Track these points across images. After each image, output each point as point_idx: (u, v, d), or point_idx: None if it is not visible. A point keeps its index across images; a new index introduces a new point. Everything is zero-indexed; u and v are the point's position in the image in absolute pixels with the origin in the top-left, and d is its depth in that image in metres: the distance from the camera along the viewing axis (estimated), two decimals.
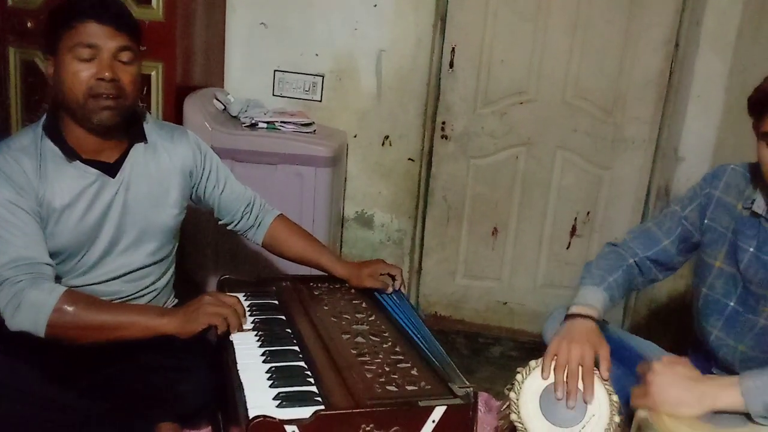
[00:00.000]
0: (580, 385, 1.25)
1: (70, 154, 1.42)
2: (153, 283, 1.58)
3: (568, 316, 1.36)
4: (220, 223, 1.72)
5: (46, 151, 1.41)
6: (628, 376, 1.37)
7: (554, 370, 1.27)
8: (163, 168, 1.54)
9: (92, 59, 1.36)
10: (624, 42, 2.50)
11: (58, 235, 1.41)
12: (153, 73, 2.10)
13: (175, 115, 2.14)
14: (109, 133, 1.45)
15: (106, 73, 1.36)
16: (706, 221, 1.43)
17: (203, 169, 1.63)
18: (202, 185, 1.64)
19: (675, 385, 1.19)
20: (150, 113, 1.72)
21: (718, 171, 1.44)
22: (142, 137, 1.52)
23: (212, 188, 1.65)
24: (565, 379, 1.26)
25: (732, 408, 1.15)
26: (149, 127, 1.55)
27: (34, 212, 1.37)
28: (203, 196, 1.66)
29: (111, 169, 1.47)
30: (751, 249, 1.34)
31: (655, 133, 2.58)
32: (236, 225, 1.72)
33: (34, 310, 1.28)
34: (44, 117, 1.46)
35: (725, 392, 1.16)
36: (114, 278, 1.50)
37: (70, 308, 1.30)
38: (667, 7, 2.46)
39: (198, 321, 1.35)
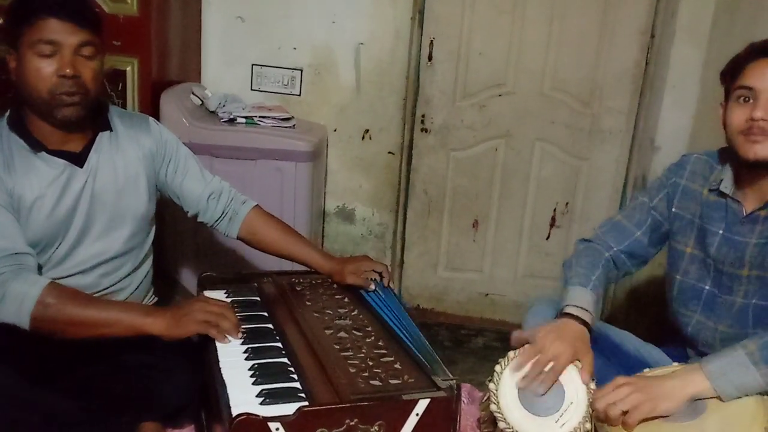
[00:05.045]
0: (561, 377, 1.27)
1: (36, 145, 1.41)
2: (129, 275, 1.57)
3: (563, 314, 1.36)
4: (189, 215, 1.69)
5: (12, 144, 1.41)
6: (605, 365, 1.40)
7: (525, 354, 1.29)
8: (128, 155, 1.53)
9: (53, 55, 1.35)
10: (600, 33, 2.52)
11: (31, 227, 1.40)
12: (128, 69, 2.07)
13: (151, 110, 2.11)
14: (74, 126, 1.44)
15: (68, 70, 1.35)
16: (673, 210, 1.46)
17: (164, 154, 1.61)
18: (163, 171, 1.61)
19: (647, 387, 1.20)
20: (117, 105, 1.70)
21: (683, 160, 1.49)
22: (106, 126, 1.51)
23: (173, 175, 1.62)
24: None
25: (704, 394, 1.17)
26: (111, 115, 1.54)
27: (7, 204, 1.36)
28: (166, 183, 1.63)
29: (78, 159, 1.46)
30: (721, 231, 1.38)
31: (631, 124, 2.61)
32: (204, 216, 1.67)
33: (17, 303, 1.27)
34: (8, 113, 1.44)
35: (692, 380, 1.19)
36: (88, 269, 1.49)
37: (53, 301, 1.29)
38: None
39: (186, 327, 1.34)
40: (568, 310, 1.36)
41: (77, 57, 1.37)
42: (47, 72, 1.35)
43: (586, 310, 1.36)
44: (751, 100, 1.27)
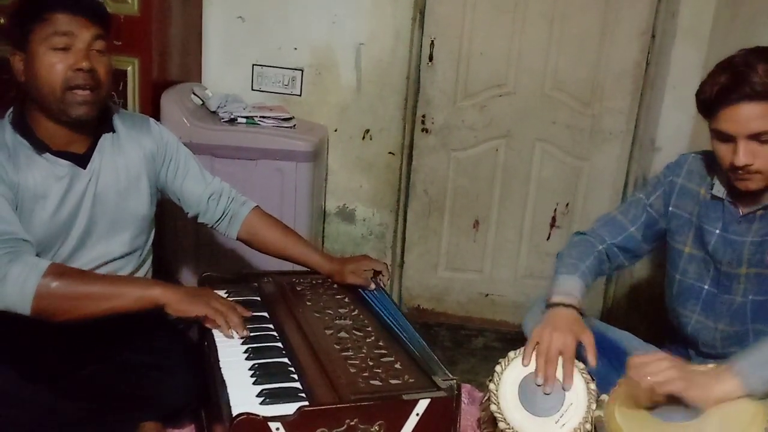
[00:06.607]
0: (559, 374, 1.27)
1: (40, 146, 1.40)
2: (130, 275, 1.56)
3: (550, 306, 1.38)
4: (189, 216, 1.69)
5: (16, 144, 1.39)
6: (606, 366, 1.40)
7: (535, 357, 1.29)
8: (130, 157, 1.53)
9: (67, 49, 1.34)
10: (600, 33, 2.52)
11: (33, 228, 1.39)
12: (129, 69, 2.07)
13: (152, 110, 2.11)
14: (82, 126, 1.43)
15: (84, 63, 1.34)
16: (671, 208, 1.47)
17: (164, 155, 1.60)
18: (163, 172, 1.61)
19: (686, 370, 1.20)
20: (119, 106, 1.70)
21: (680, 159, 1.49)
22: (109, 128, 1.51)
23: (174, 176, 1.62)
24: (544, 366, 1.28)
25: (733, 394, 1.15)
26: (114, 117, 1.54)
27: (9, 198, 1.35)
28: (166, 184, 1.63)
29: (81, 161, 1.45)
30: (717, 231, 1.38)
31: (632, 124, 2.61)
32: (204, 217, 1.67)
33: (21, 281, 1.24)
34: (10, 112, 1.43)
35: (723, 378, 1.16)
36: (91, 270, 1.48)
37: (57, 277, 1.27)
38: None
39: (197, 306, 1.34)
40: (554, 299, 1.38)
41: (91, 51, 1.37)
42: (62, 66, 1.34)
43: (571, 295, 1.37)
44: (731, 140, 1.26)
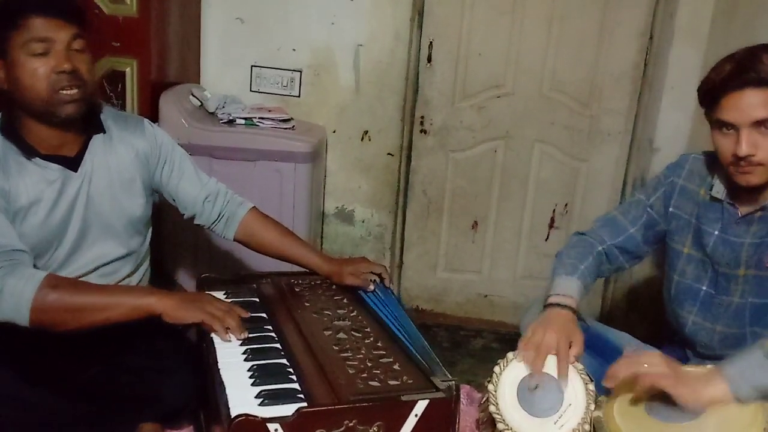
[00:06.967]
0: (554, 372, 1.27)
1: (29, 151, 1.39)
2: (127, 276, 1.56)
3: (546, 306, 1.38)
4: (185, 217, 1.68)
5: (6, 151, 1.38)
6: (603, 366, 1.40)
7: (525, 349, 1.30)
8: (122, 158, 1.52)
9: (47, 53, 1.33)
10: (599, 34, 2.53)
11: (26, 233, 1.38)
12: (128, 70, 2.08)
13: (150, 111, 2.11)
14: (71, 126, 1.42)
15: (66, 65, 1.33)
16: (670, 209, 1.47)
17: (159, 156, 1.59)
18: (158, 173, 1.60)
19: (677, 368, 1.22)
20: (114, 107, 1.69)
21: (681, 160, 1.49)
22: (100, 128, 1.50)
23: (168, 177, 1.61)
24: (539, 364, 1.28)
25: (722, 398, 1.16)
26: (105, 117, 1.53)
27: (1, 208, 1.34)
28: (161, 186, 1.62)
29: (73, 163, 1.44)
30: (716, 232, 1.38)
31: (630, 125, 2.61)
32: (200, 218, 1.66)
33: (16, 295, 1.24)
34: None
35: (712, 383, 1.17)
36: (86, 273, 1.48)
37: (52, 290, 1.27)
38: (641, 0, 2.49)
39: (193, 312, 1.33)
40: (551, 300, 1.39)
41: (70, 51, 1.35)
42: (44, 71, 1.33)
43: (568, 296, 1.38)
44: (733, 131, 1.26)
